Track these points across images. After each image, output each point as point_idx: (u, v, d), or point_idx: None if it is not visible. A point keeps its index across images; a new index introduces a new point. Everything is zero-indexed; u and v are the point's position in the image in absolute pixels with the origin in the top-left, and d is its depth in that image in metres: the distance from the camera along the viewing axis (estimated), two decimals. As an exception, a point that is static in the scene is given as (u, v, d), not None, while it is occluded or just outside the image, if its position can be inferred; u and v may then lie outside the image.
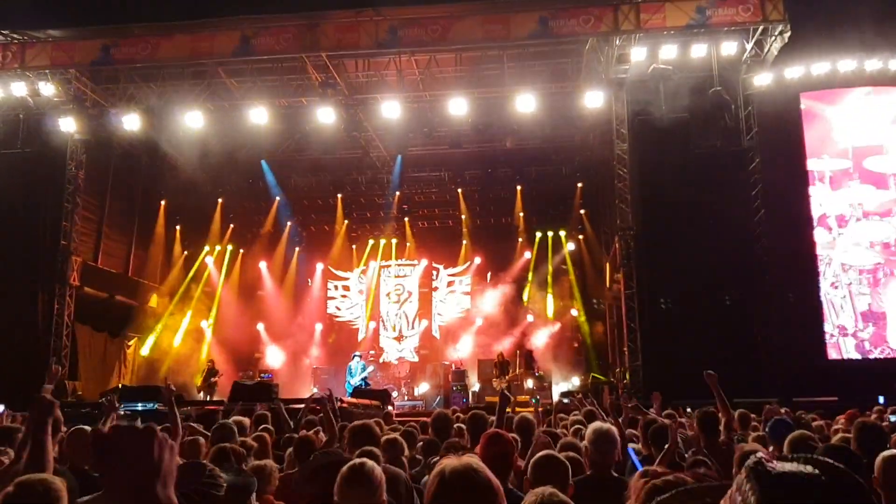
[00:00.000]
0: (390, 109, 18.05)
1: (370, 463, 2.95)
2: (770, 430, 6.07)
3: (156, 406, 14.39)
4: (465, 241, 25.43)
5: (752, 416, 8.74)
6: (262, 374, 21.74)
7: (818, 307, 17.85)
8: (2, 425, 6.66)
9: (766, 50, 16.94)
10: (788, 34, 16.37)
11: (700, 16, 16.30)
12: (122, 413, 8.91)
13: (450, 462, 2.21)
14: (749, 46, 16.91)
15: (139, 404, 14.81)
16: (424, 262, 25.78)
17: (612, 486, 4.40)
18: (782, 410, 9.52)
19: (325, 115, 18.26)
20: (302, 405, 9.35)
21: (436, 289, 25.78)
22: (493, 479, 2.17)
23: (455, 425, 6.44)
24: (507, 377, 19.73)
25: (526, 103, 17.65)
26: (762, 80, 17.32)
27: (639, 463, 4.96)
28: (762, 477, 1.16)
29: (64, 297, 18.76)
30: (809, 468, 1.15)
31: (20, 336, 17.94)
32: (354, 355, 21.02)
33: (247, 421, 7.58)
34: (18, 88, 18.14)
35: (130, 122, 18.53)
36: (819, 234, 18.22)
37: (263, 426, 7.71)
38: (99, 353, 21.18)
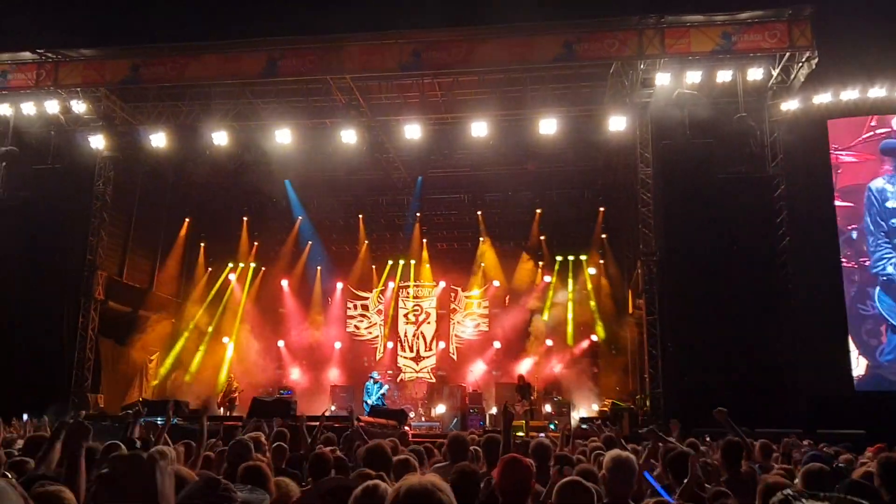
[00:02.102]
0: (412, 131, 18.15)
1: (383, 486, 2.94)
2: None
3: (175, 420, 14.41)
4: (483, 264, 25.37)
5: (774, 446, 8.61)
6: (282, 391, 21.79)
7: (844, 334, 17.59)
8: (31, 435, 6.74)
9: (792, 76, 16.84)
10: (816, 60, 16.26)
11: (725, 41, 16.26)
12: (143, 423, 8.96)
13: (409, 480, 2.18)
14: (775, 72, 16.81)
15: (159, 418, 14.85)
16: (443, 283, 25.76)
17: (629, 514, 4.33)
18: (804, 443, 9.35)
19: (348, 137, 18.42)
20: (317, 423, 9.33)
21: (454, 311, 25.75)
22: (451, 501, 2.14)
23: (472, 447, 6.39)
24: (529, 400, 19.51)
25: (548, 126, 17.67)
26: (788, 106, 17.22)
27: (660, 487, 4.90)
28: None
29: (89, 310, 18.99)
30: None
31: (45, 348, 18.14)
32: (371, 376, 21.07)
33: (262, 436, 7.56)
34: (51, 106, 18.47)
35: (158, 140, 18.82)
36: (846, 262, 17.99)
37: (278, 443, 7.69)
38: (121, 367, 21.34)
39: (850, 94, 17.61)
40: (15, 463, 5.21)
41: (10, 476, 4.33)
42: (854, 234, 18.29)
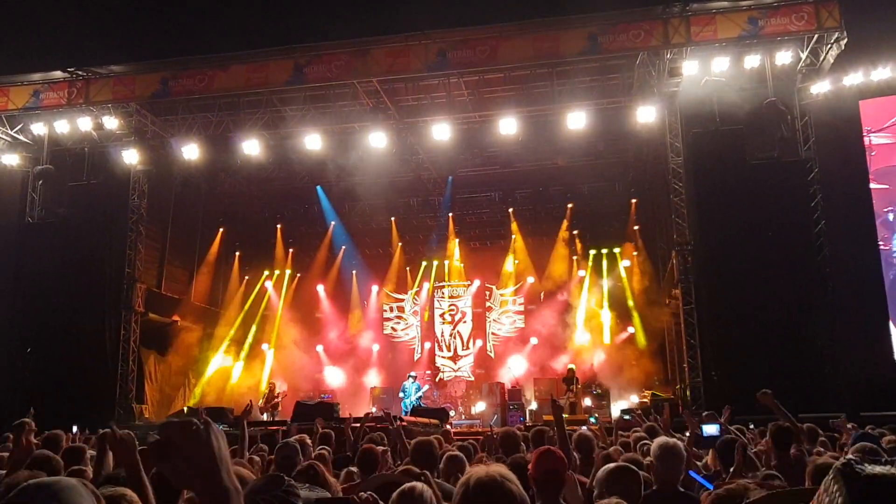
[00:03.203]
0: (440, 131, 18.18)
1: (420, 487, 3.02)
2: (851, 446, 5.91)
3: (221, 427, 14.62)
4: (517, 261, 25.36)
5: (820, 431, 8.53)
6: (323, 395, 21.98)
7: (885, 317, 17.34)
8: (70, 445, 6.89)
9: (821, 58, 16.60)
10: (845, 41, 16.03)
11: (752, 27, 16.08)
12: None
13: (477, 471, 2.19)
14: (804, 55, 16.58)
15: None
16: (477, 282, 25.78)
17: (679, 501, 4.36)
18: (849, 425, 9.24)
19: (377, 140, 18.52)
20: (357, 424, 9.47)
21: (490, 309, 25.76)
22: (520, 491, 2.14)
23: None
24: (574, 392, 19.38)
25: (576, 120, 17.62)
26: (819, 88, 17.00)
27: (704, 480, 4.90)
28: (851, 479, 1.14)
29: (130, 322, 19.30)
30: None
31: (89, 361, 18.48)
32: (409, 376, 21.16)
33: (309, 440, 7.68)
34: (84, 123, 18.79)
35: (189, 152, 19.07)
36: (883, 244, 17.74)
37: (322, 446, 7.80)
38: (164, 377, 21.66)
39: (881, 74, 17.32)
40: (72, 473, 5.35)
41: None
42: (891, 217, 18.04)
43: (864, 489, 1.13)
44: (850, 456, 1.21)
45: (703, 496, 3.10)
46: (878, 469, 1.15)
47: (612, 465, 4.10)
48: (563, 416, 5.75)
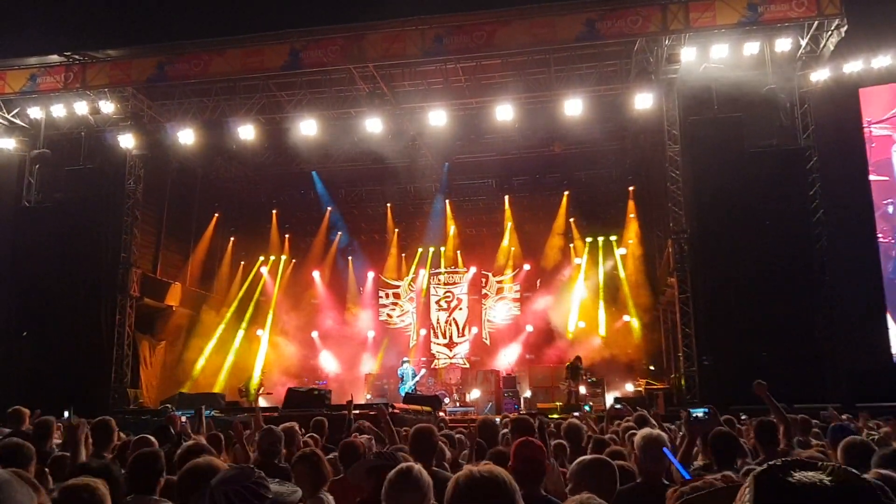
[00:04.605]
0: (437, 117, 18.09)
1: (417, 467, 2.97)
2: (831, 438, 5.86)
3: (212, 412, 14.60)
4: (513, 248, 25.29)
5: (815, 421, 8.50)
6: (317, 382, 21.97)
7: (882, 308, 17.29)
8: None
9: (821, 45, 16.46)
10: (845, 28, 15.88)
11: (751, 13, 15.93)
12: (181, 415, 9.18)
13: (470, 468, 2.18)
14: (804, 42, 16.45)
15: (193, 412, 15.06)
16: (473, 269, 25.71)
17: (662, 494, 4.30)
18: (843, 417, 9.22)
19: (373, 126, 18.41)
20: (345, 411, 9.44)
21: (485, 296, 25.70)
22: (513, 488, 2.12)
23: (502, 431, 6.41)
24: (576, 382, 19.19)
25: (573, 107, 17.51)
26: (818, 76, 16.87)
27: (681, 466, 4.85)
28: (760, 486, 1.10)
29: (125, 307, 19.26)
30: (822, 477, 1.06)
31: (85, 345, 18.46)
32: (404, 360, 21.13)
33: (297, 427, 7.61)
34: (80, 107, 18.72)
35: (185, 137, 19.00)
36: (882, 237, 17.67)
37: (310, 434, 7.75)
38: (158, 362, 21.64)
39: (881, 62, 17.18)
40: (56, 458, 5.33)
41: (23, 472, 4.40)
42: (890, 209, 17.95)
43: (772, 498, 1.08)
44: (776, 461, 1.15)
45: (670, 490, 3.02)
46: (802, 476, 1.08)
47: (586, 457, 4.05)
48: (559, 405, 5.71)
